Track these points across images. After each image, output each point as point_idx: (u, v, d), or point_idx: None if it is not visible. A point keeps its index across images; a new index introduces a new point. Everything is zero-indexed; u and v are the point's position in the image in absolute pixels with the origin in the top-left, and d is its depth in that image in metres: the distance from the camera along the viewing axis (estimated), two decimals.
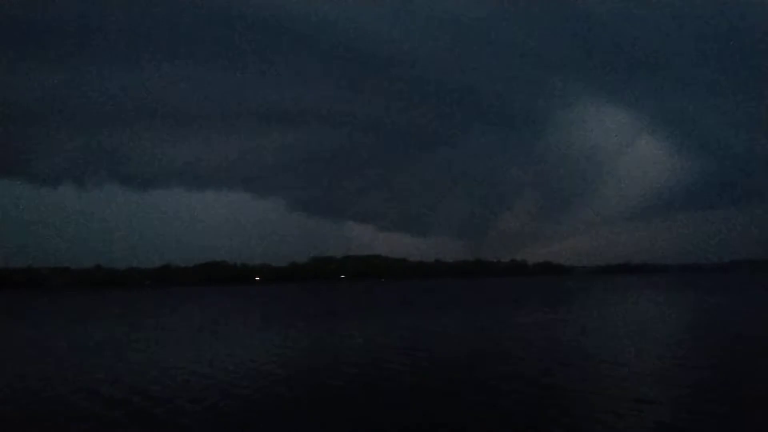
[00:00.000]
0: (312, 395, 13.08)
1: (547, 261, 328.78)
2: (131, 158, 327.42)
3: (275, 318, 39.45)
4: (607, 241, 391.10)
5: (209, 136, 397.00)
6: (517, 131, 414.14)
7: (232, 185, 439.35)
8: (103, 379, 15.85)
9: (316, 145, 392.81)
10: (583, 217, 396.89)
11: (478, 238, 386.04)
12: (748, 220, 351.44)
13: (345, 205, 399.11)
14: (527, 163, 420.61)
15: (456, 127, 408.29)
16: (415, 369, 16.23)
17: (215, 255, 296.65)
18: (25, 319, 45.86)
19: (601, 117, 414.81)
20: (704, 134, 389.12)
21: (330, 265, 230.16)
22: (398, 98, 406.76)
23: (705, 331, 24.18)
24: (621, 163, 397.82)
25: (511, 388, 13.08)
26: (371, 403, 12.12)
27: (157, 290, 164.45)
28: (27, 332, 32.73)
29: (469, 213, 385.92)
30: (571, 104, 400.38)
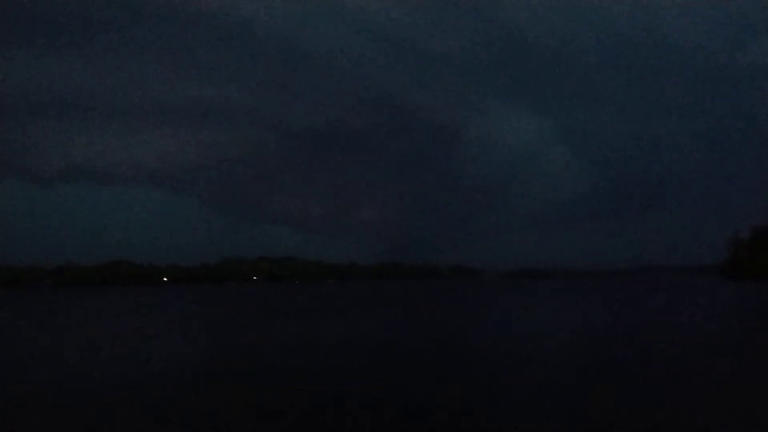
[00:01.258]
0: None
1: (459, 264, 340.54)
2: (32, 152, 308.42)
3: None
4: (518, 245, 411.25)
5: (119, 130, 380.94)
6: (434, 137, 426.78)
7: (142, 181, 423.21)
8: None
9: (232, 145, 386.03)
10: (496, 221, 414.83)
11: (394, 241, 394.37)
12: (649, 228, 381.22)
13: (261, 206, 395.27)
14: (443, 168, 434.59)
15: (374, 132, 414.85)
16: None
17: (122, 254, 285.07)
18: None
19: (516, 125, 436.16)
20: (608, 144, 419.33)
21: (242, 266, 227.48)
22: (319, 101, 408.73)
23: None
24: (533, 169, 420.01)
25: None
26: None
27: (53, 291, 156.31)
28: None
29: (385, 216, 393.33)
30: (487, 111, 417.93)
